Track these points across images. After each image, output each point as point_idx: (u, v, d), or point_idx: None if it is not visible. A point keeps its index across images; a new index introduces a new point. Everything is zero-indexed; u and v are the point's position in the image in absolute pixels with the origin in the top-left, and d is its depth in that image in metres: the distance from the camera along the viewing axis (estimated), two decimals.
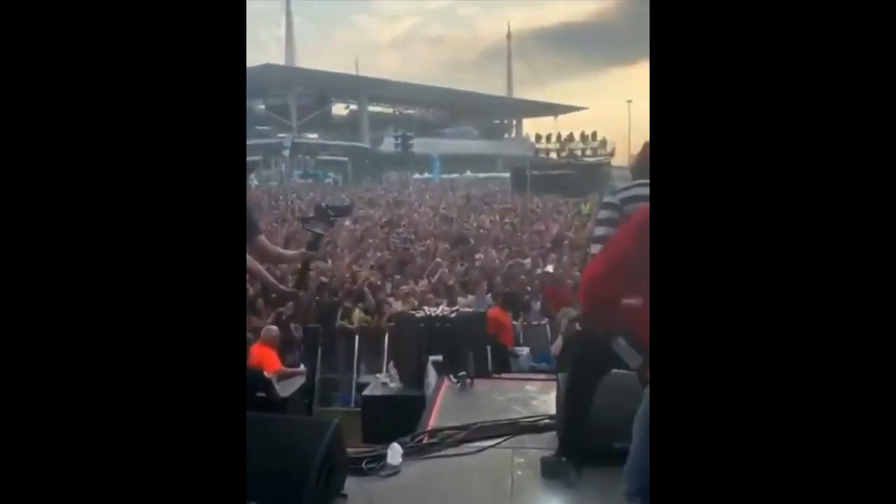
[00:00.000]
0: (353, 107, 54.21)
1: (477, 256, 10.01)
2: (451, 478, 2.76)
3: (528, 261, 9.60)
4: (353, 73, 52.33)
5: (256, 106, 46.62)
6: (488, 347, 5.60)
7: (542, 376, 4.58)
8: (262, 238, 3.08)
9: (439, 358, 4.66)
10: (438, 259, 9.36)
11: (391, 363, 5.54)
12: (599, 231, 2.53)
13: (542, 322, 7.21)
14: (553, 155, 39.48)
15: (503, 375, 4.73)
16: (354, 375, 7.04)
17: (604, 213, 2.52)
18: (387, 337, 6.75)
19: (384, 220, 15.37)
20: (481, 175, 43.15)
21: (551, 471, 2.71)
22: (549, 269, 8.92)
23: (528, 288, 7.87)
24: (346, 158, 45.33)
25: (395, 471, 2.75)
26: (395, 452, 2.83)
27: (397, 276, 8.53)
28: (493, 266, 9.10)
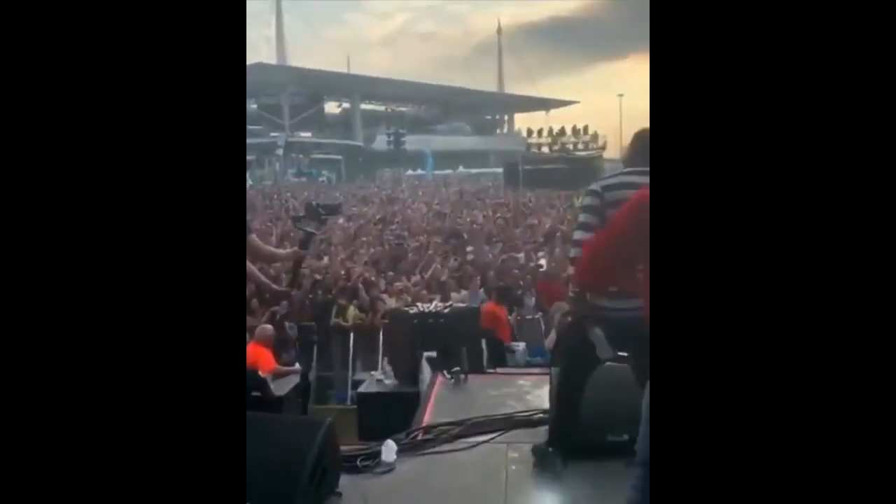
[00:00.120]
0: (346, 105, 54.11)
1: (469, 249, 10.01)
2: (446, 474, 2.76)
3: (521, 255, 9.62)
4: (345, 71, 52.19)
5: (249, 105, 46.42)
6: (483, 342, 5.61)
7: (536, 370, 4.58)
8: (254, 237, 3.07)
9: (433, 354, 4.67)
10: (431, 251, 9.35)
11: (386, 360, 5.53)
12: (582, 217, 2.56)
13: (536, 316, 7.22)
14: (545, 149, 39.41)
15: (497, 370, 4.74)
16: (350, 373, 7.05)
17: (586, 201, 2.56)
18: (381, 334, 6.74)
19: (378, 217, 15.35)
20: (474, 171, 43.15)
21: (540, 460, 2.73)
22: (542, 262, 8.93)
23: (521, 283, 7.88)
24: (339, 157, 45.25)
25: (390, 468, 2.76)
26: (389, 449, 2.84)
27: (391, 273, 8.53)
28: (486, 261, 9.10)
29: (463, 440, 3.04)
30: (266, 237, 9.57)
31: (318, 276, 7.82)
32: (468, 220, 14.44)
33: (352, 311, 7.27)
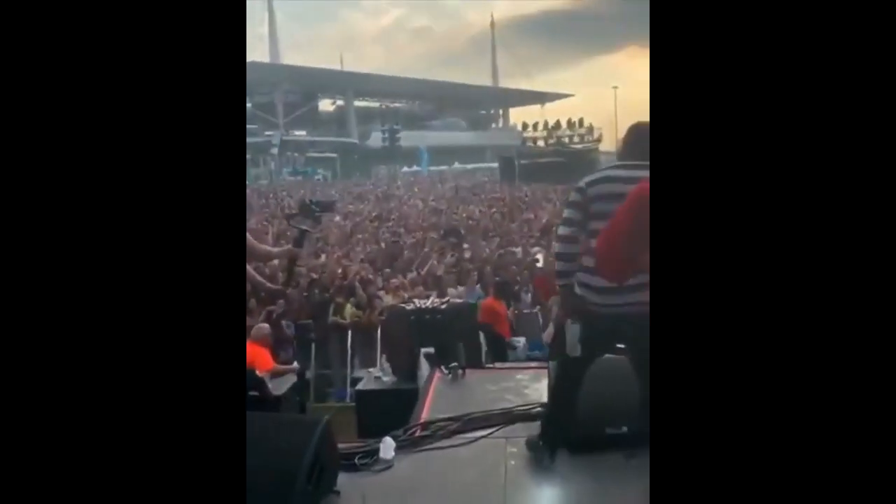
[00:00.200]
0: (340, 102, 53.99)
1: (464, 246, 9.99)
2: (445, 470, 2.75)
3: (518, 250, 9.60)
4: (339, 68, 52.05)
5: None
6: (481, 335, 5.59)
7: (534, 364, 4.57)
8: (248, 237, 3.05)
9: (431, 350, 4.65)
10: (427, 248, 9.33)
11: (384, 357, 5.52)
12: (565, 213, 2.56)
13: (534, 310, 7.22)
14: (541, 143, 39.53)
15: (495, 365, 4.72)
16: (348, 370, 7.03)
17: (571, 197, 2.56)
18: (379, 331, 6.73)
19: (374, 214, 15.32)
20: (470, 166, 43.11)
21: (530, 453, 2.73)
22: (539, 257, 8.91)
23: (518, 278, 7.86)
24: (334, 154, 45.19)
25: (388, 465, 2.74)
26: (387, 447, 2.82)
27: (387, 270, 8.51)
28: (482, 256, 9.08)
29: (461, 436, 3.03)
30: (262, 236, 9.54)
31: (314, 275, 7.79)
32: (464, 215, 14.42)
33: (349, 308, 7.25)
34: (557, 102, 58.59)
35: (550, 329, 6.21)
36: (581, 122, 41.77)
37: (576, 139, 40.40)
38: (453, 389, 3.87)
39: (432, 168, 40.67)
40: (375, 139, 42.29)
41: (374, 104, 56.79)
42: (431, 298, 5.79)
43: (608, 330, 2.47)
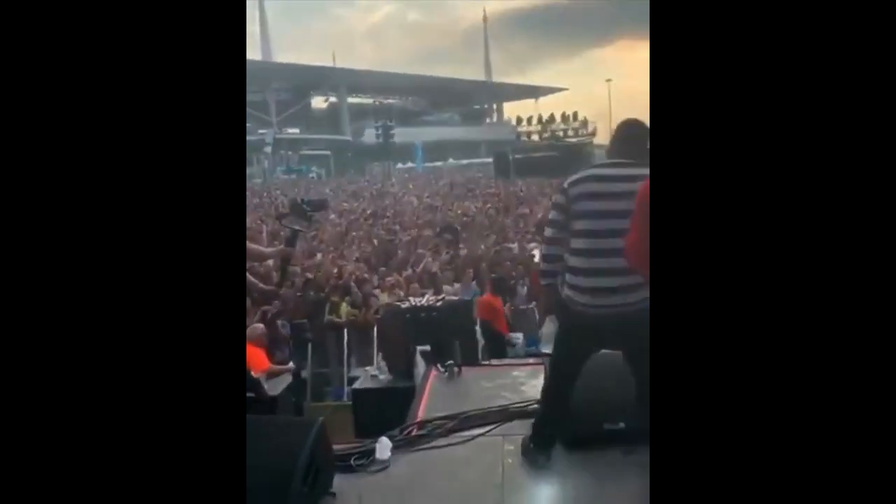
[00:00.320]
0: (333, 99, 53.82)
1: (460, 246, 9.97)
2: (441, 469, 2.73)
3: (514, 245, 9.58)
4: (331, 65, 51.87)
5: None
6: (477, 332, 5.58)
7: (531, 361, 4.56)
8: None
9: (428, 348, 4.63)
10: (420, 251, 9.31)
11: (380, 355, 5.50)
12: (550, 215, 2.57)
13: (530, 306, 7.21)
14: (535, 137, 39.44)
15: (492, 362, 4.71)
16: (345, 369, 7.01)
17: (555, 198, 2.57)
18: (375, 329, 6.71)
19: (368, 212, 15.29)
20: (464, 161, 43.09)
21: (524, 453, 2.72)
22: (535, 254, 8.90)
23: (514, 273, 7.85)
24: (328, 152, 45.05)
25: (385, 465, 2.72)
26: (383, 447, 2.80)
27: (382, 269, 8.49)
28: (478, 253, 9.07)
29: (458, 434, 3.01)
30: (256, 235, 9.51)
31: (309, 275, 7.76)
32: (459, 212, 14.40)
33: (345, 307, 7.23)
34: (551, 96, 58.54)
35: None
36: (575, 115, 41.64)
37: (570, 133, 40.31)
38: (449, 387, 3.85)
39: (427, 164, 40.59)
40: (369, 136, 42.17)
41: (368, 101, 56.65)
42: (427, 296, 5.77)
43: (593, 328, 2.46)
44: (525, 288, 7.50)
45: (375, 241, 10.62)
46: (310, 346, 7.07)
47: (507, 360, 4.85)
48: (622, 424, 2.71)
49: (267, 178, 35.12)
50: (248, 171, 36.56)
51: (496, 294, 6.78)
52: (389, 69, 56.89)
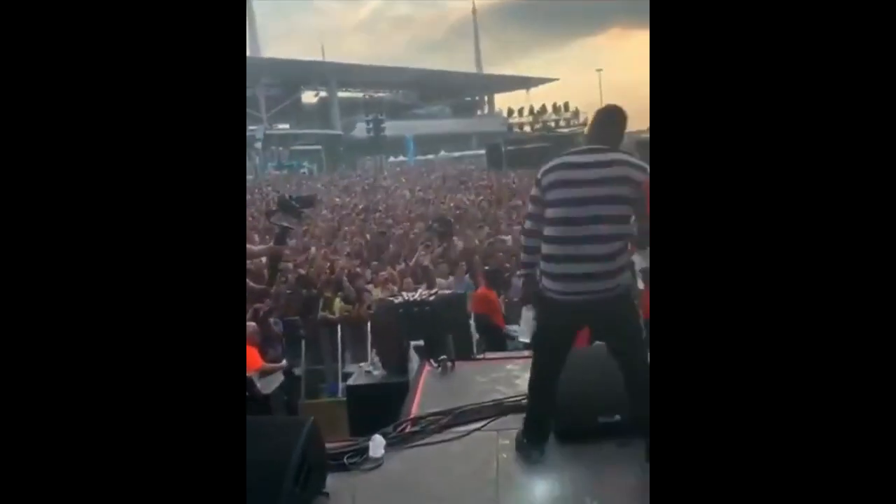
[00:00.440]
0: (323, 94, 53.55)
1: (454, 239, 9.93)
2: (436, 466, 2.71)
3: (508, 238, 9.54)
4: (321, 59, 51.57)
5: None
6: (471, 325, 5.54)
7: (526, 353, 4.53)
8: None
9: (421, 342, 4.60)
10: (411, 236, 9.27)
11: (374, 351, 5.46)
12: (528, 206, 2.59)
13: None
14: (527, 128, 39.41)
15: (486, 356, 4.68)
16: (339, 365, 6.98)
17: (532, 190, 2.56)
18: (369, 325, 6.68)
19: (361, 206, 15.22)
20: (456, 154, 42.99)
21: (518, 448, 2.70)
22: None
23: (508, 265, 7.82)
24: (319, 147, 44.84)
25: (378, 463, 2.70)
26: (376, 444, 2.78)
27: (375, 263, 8.45)
28: (471, 246, 9.03)
29: (452, 430, 2.98)
30: (248, 233, 9.44)
31: (301, 271, 7.71)
32: (451, 204, 14.35)
33: (338, 303, 7.19)
34: (542, 87, 58.48)
35: None
36: (566, 106, 41.63)
37: (562, 123, 40.29)
38: (443, 382, 3.82)
39: (418, 157, 40.49)
40: (360, 130, 41.99)
41: (358, 94, 56.36)
42: (420, 290, 5.73)
43: (568, 317, 2.45)
44: (521, 280, 7.45)
45: (368, 236, 10.57)
46: (303, 342, 7.04)
47: (500, 354, 4.82)
48: (617, 417, 2.69)
49: (258, 175, 34.91)
50: None
51: (491, 286, 6.74)
52: (379, 63, 56.64)
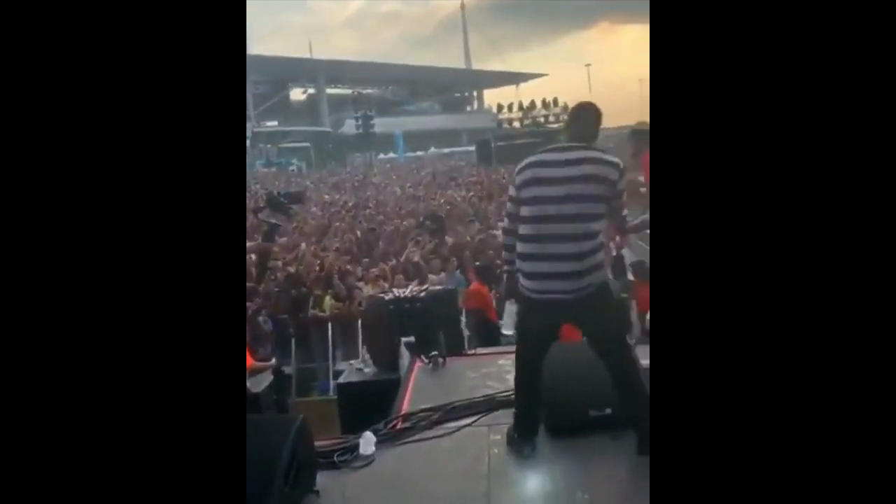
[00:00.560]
0: (311, 91, 53.28)
1: (445, 237, 9.92)
2: (427, 463, 2.70)
3: (499, 233, 9.54)
4: (308, 56, 51.27)
5: None
6: (462, 321, 5.52)
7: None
8: None
9: (412, 339, 4.58)
10: (402, 231, 9.23)
11: (365, 348, 5.44)
12: (507, 205, 2.60)
13: None
14: (516, 124, 39.23)
15: (477, 351, 4.68)
16: (330, 363, 6.96)
17: (510, 189, 2.56)
18: (360, 322, 6.65)
19: (350, 203, 15.15)
20: (446, 150, 42.93)
21: (509, 443, 2.69)
22: None
23: (498, 261, 7.81)
24: (308, 144, 44.63)
25: (369, 460, 2.68)
26: (367, 442, 2.76)
27: (366, 259, 8.41)
28: (462, 242, 9.01)
29: (443, 426, 2.97)
30: None
31: (290, 269, 7.67)
32: (442, 201, 14.32)
33: (328, 300, 7.15)
34: (531, 82, 58.38)
35: None
36: (555, 101, 41.57)
37: (551, 119, 40.24)
38: (434, 378, 3.81)
39: (408, 154, 40.40)
40: (349, 126, 41.80)
41: (346, 91, 55.97)
42: (411, 287, 5.71)
43: (545, 314, 2.46)
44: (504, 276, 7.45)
45: (358, 233, 10.52)
46: (293, 341, 7.00)
47: (491, 349, 4.81)
48: (608, 410, 2.69)
49: (246, 173, 34.75)
50: None
51: (482, 282, 6.73)
52: (368, 59, 56.43)
